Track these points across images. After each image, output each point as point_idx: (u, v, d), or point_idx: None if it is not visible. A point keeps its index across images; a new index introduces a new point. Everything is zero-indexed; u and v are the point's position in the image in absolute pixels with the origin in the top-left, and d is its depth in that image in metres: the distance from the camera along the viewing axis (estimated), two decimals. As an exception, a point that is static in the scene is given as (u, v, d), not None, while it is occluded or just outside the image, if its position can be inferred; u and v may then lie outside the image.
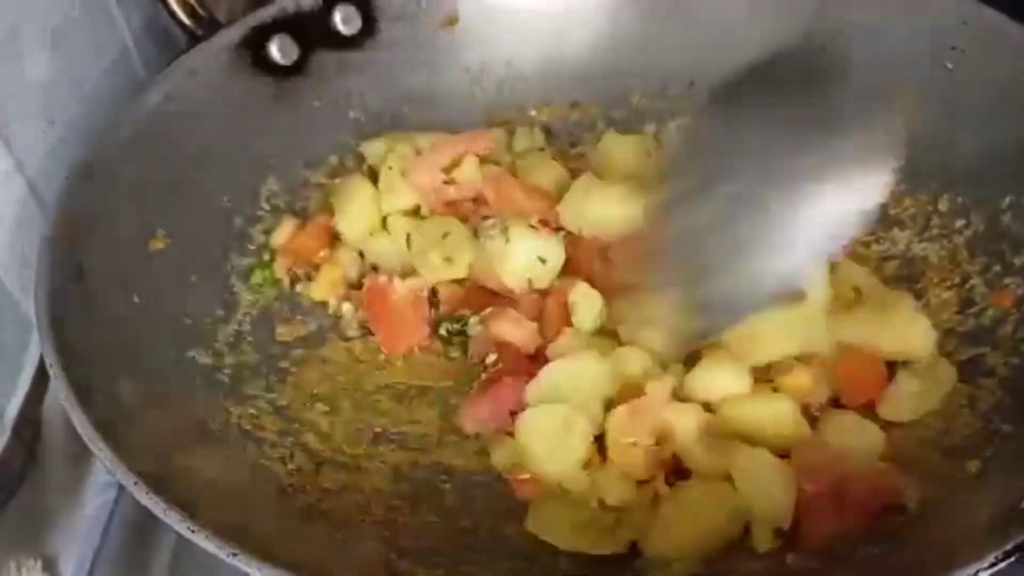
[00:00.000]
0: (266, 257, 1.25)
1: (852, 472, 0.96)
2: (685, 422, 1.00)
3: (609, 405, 1.04)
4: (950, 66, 1.24)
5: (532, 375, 1.07)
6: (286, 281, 1.25)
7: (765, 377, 1.05)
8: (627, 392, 1.03)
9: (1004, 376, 1.04)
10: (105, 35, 1.36)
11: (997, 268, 1.13)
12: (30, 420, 1.13)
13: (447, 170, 1.23)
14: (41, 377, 1.14)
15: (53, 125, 1.22)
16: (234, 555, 0.80)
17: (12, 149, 1.13)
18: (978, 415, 1.02)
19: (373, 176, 1.30)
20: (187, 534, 0.82)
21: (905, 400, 1.04)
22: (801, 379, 1.03)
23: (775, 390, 1.03)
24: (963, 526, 0.89)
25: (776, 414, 1.01)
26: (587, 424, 1.02)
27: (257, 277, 1.23)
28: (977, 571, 0.76)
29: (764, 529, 0.96)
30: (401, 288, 1.20)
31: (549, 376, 1.06)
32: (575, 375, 1.05)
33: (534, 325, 1.15)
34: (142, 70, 1.42)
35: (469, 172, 1.23)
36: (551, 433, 1.01)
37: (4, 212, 1.14)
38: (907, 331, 1.07)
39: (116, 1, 1.36)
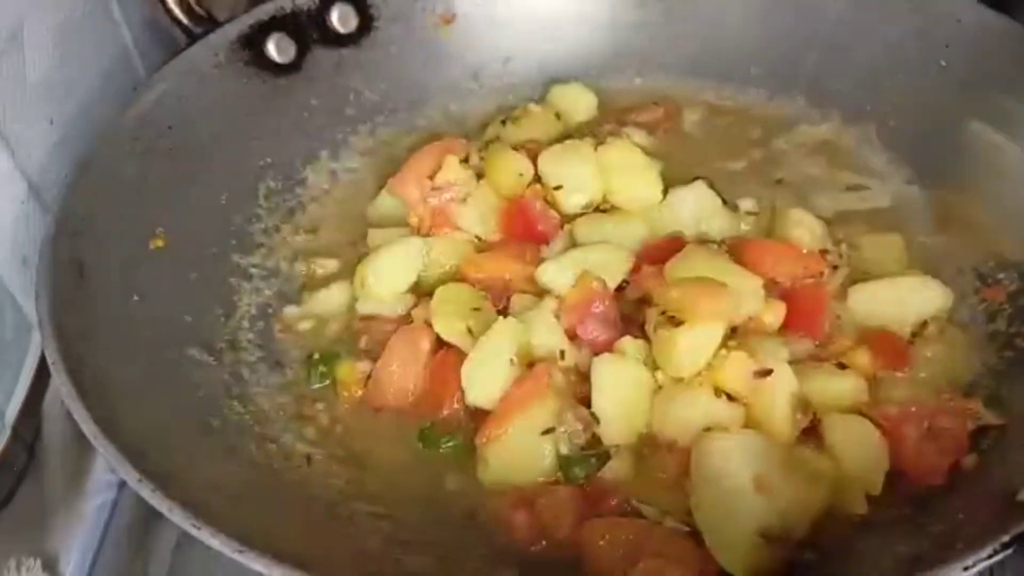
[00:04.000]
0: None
1: (936, 407, 1.00)
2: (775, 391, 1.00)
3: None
4: (944, 63, 1.25)
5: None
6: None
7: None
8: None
9: (999, 370, 1.05)
10: (105, 35, 1.36)
11: (990, 263, 1.15)
12: (30, 419, 1.13)
13: (431, 176, 1.23)
14: (41, 377, 1.14)
15: (53, 125, 1.21)
16: (240, 552, 0.81)
17: (12, 149, 1.13)
18: (973, 408, 1.03)
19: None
20: (193, 532, 0.83)
21: (927, 362, 1.08)
22: (864, 359, 1.06)
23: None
24: (961, 519, 0.89)
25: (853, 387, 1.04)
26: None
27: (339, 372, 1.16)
28: (975, 562, 0.77)
29: (856, 494, 0.96)
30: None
31: None
32: None
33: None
34: (142, 70, 1.43)
35: (451, 173, 1.23)
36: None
37: (4, 212, 1.13)
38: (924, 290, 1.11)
39: (116, 1, 1.36)
